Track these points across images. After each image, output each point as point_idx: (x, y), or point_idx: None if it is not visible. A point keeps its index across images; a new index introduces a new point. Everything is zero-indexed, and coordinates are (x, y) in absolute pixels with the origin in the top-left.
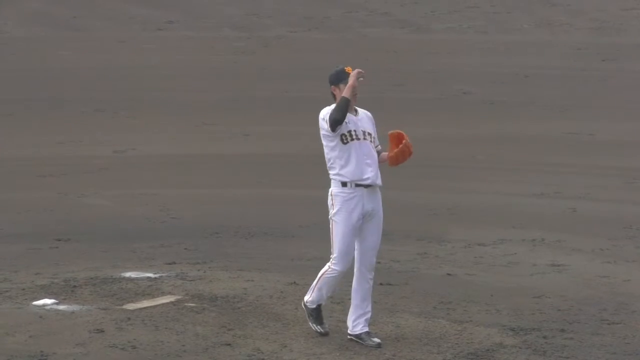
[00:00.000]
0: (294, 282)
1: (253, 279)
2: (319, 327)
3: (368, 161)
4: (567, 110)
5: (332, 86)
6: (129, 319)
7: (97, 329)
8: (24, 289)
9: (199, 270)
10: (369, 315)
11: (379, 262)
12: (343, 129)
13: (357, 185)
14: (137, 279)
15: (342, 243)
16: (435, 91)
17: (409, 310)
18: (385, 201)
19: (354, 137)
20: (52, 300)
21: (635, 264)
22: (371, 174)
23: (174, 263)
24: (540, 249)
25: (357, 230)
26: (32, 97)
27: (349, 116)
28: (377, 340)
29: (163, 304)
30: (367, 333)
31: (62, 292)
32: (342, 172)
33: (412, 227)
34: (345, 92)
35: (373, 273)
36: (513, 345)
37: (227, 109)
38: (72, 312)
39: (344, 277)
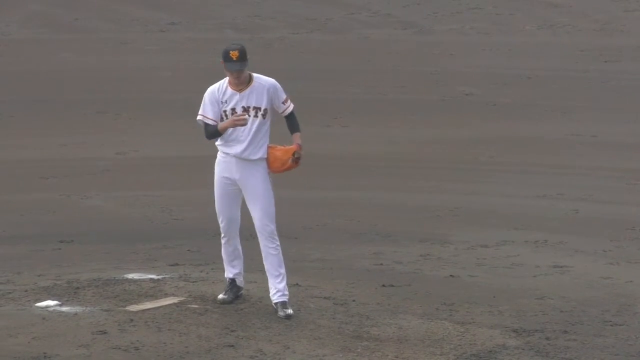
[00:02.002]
0: (297, 284)
1: (256, 280)
2: (221, 294)
3: (241, 138)
4: (569, 112)
5: (221, 60)
6: (131, 320)
7: (100, 331)
8: (26, 291)
9: (201, 271)
10: (280, 278)
11: (381, 264)
12: (222, 108)
13: (227, 153)
14: (139, 280)
15: (216, 203)
16: (438, 93)
17: (411, 312)
18: (388, 203)
19: (230, 115)
20: (55, 302)
21: (637, 265)
22: (239, 149)
23: (177, 264)
24: (542, 250)
25: (233, 196)
26: (35, 99)
27: (229, 94)
28: (289, 311)
29: (166, 306)
30: (282, 304)
31: (65, 293)
32: (220, 141)
33: (415, 228)
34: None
35: (276, 242)
36: (516, 347)
37: None
38: (75, 314)
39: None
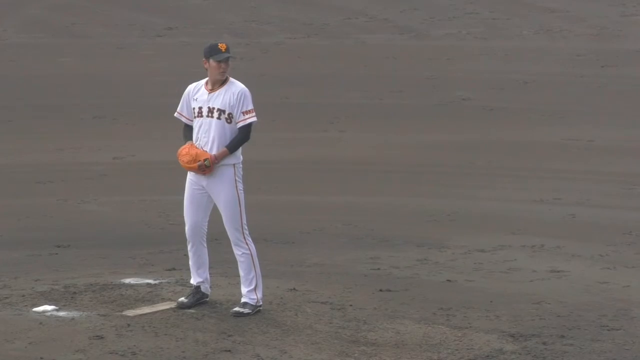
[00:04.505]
0: (294, 289)
1: None
2: (182, 297)
3: (203, 141)
4: (566, 117)
5: (204, 59)
6: (128, 325)
7: (97, 336)
8: (24, 296)
9: None
10: (248, 282)
11: (378, 269)
12: (192, 105)
13: None
14: (136, 285)
15: (184, 207)
16: (435, 97)
17: (409, 317)
18: (385, 208)
19: (197, 114)
20: (52, 307)
21: (634, 269)
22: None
23: (174, 269)
24: (539, 255)
25: (200, 201)
26: (32, 103)
27: (201, 93)
28: (238, 309)
29: (163, 310)
30: (242, 304)
31: (62, 298)
32: None
33: (412, 233)
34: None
35: (242, 250)
36: (513, 352)
37: None
38: (72, 319)
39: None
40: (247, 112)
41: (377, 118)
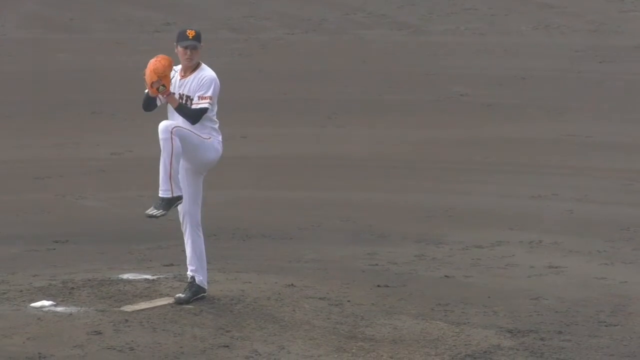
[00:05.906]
0: (292, 284)
1: (251, 280)
2: (179, 293)
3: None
4: (564, 112)
5: (175, 44)
6: (126, 320)
7: (95, 331)
8: (21, 291)
9: None
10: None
11: (376, 265)
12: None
13: None
14: (134, 280)
15: None
16: (433, 93)
17: (406, 312)
18: (383, 203)
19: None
20: (50, 302)
21: (632, 265)
22: None
23: (172, 265)
24: (537, 250)
25: (183, 183)
26: (30, 99)
27: (175, 78)
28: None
29: (161, 306)
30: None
31: (60, 293)
32: None
33: (410, 229)
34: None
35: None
36: (510, 347)
37: (224, 110)
38: (70, 314)
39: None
40: (202, 97)
41: (375, 114)
